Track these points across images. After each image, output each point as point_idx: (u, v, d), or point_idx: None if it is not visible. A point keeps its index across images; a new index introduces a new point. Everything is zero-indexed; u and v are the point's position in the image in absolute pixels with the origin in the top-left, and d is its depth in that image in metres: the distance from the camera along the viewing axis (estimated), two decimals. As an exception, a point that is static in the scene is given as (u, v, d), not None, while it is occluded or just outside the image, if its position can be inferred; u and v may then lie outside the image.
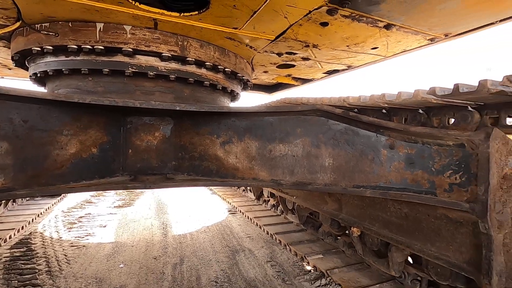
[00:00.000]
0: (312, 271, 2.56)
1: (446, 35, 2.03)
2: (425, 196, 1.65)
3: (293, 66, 2.95)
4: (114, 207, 4.61)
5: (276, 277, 2.44)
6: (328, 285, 2.30)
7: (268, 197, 4.32)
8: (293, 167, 2.02)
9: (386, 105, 1.90)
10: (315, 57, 2.58)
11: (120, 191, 5.58)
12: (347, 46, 2.26)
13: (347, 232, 2.72)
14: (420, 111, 2.09)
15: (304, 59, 2.68)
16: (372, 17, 1.78)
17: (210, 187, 6.00)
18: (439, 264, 1.78)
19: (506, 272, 1.37)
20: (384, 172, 1.80)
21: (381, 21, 1.82)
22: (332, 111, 1.88)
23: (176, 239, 3.26)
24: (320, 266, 2.51)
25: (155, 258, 2.73)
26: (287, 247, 3.04)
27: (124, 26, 1.88)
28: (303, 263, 2.73)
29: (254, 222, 3.87)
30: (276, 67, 3.02)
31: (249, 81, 2.71)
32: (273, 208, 4.28)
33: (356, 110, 2.44)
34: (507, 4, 1.60)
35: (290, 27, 1.94)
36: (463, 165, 1.52)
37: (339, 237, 2.89)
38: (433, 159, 1.65)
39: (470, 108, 1.77)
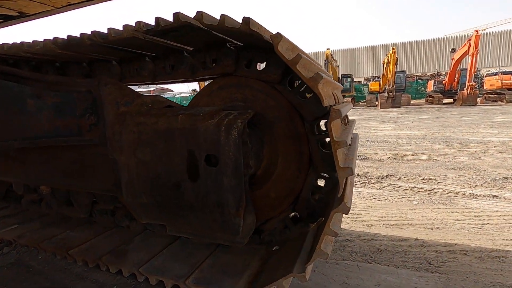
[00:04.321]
0: (-3, 245, 2.31)
1: (96, -5, 2.25)
2: (74, 138, 1.88)
3: None
4: None
5: None
6: (13, 250, 2.19)
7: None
8: None
9: (29, 54, 1.88)
10: (-51, -9, 2.05)
11: None
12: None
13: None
14: (85, 64, 2.28)
15: None
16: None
17: None
18: (103, 194, 2.16)
19: (130, 183, 1.88)
20: (35, 122, 1.84)
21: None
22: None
23: None
24: (8, 236, 2.30)
25: None
26: (-30, 231, 2.51)
27: None
28: (-11, 241, 2.39)
29: None
30: None
31: None
32: (-36, 194, 3.33)
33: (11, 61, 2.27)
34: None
35: None
36: (94, 108, 1.84)
37: (42, 202, 2.76)
38: (76, 105, 1.87)
39: (114, 62, 2.14)
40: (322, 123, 1.66)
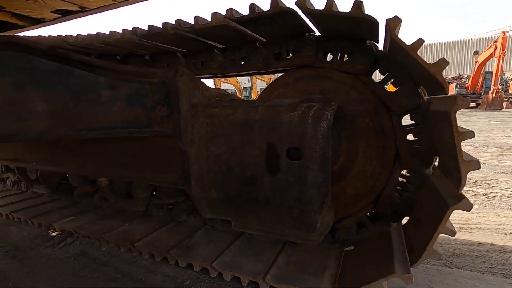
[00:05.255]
0: (58, 235, 2.32)
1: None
2: (144, 130, 1.86)
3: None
4: None
5: (2, 258, 2.00)
6: (75, 241, 2.19)
7: (3, 172, 3.35)
8: (-10, 116, 1.61)
9: (104, 45, 1.88)
10: (23, -16, 2.08)
11: None
12: (59, -24, 1.98)
13: (100, 186, 2.65)
14: (147, 57, 2.28)
15: (8, -16, 2.09)
16: None
17: None
18: (166, 187, 2.14)
19: (199, 177, 1.85)
20: (107, 113, 1.83)
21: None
22: (34, 46, 1.62)
23: None
24: (68, 227, 2.32)
25: None
26: (29, 221, 2.55)
27: None
28: (49, 231, 2.41)
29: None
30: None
31: None
32: (16, 185, 3.40)
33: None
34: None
35: None
36: (167, 99, 1.82)
37: (95, 194, 2.78)
38: (148, 97, 1.85)
39: (179, 55, 2.13)
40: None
